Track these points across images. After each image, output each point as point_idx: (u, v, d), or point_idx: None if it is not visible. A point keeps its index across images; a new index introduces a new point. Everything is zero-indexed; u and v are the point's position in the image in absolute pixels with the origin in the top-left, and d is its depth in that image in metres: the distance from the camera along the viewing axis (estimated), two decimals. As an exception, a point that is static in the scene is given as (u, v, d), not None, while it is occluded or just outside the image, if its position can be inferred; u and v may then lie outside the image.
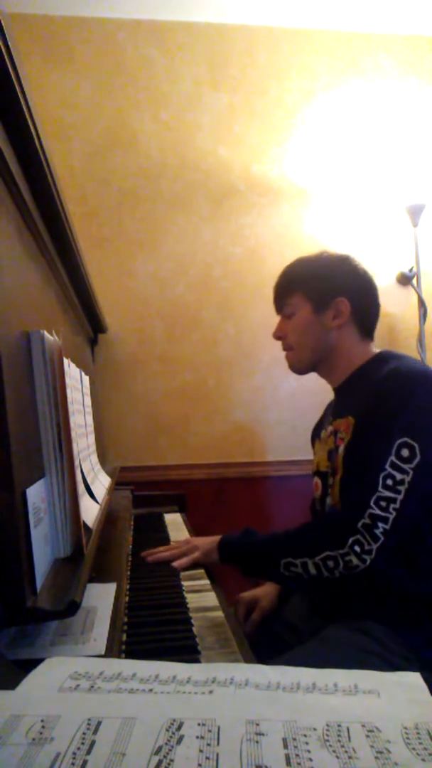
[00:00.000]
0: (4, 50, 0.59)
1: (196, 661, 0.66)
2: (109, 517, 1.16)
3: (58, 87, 2.25)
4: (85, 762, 0.33)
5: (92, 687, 0.42)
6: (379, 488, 0.99)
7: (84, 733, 0.35)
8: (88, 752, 0.34)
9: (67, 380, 0.77)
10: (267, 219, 2.36)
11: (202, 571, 1.07)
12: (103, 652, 0.61)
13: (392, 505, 0.98)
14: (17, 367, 0.64)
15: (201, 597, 0.92)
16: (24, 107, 0.68)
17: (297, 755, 0.33)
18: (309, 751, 0.34)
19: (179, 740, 0.35)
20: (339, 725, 0.36)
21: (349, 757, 0.33)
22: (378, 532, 0.98)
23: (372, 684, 0.42)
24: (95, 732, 0.35)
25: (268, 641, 1.21)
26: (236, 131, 2.35)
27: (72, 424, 0.75)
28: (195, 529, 1.45)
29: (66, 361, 0.81)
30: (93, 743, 0.34)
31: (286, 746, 0.34)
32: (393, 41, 2.45)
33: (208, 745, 0.34)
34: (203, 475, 2.26)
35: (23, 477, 0.59)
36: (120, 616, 0.73)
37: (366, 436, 1.07)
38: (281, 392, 2.34)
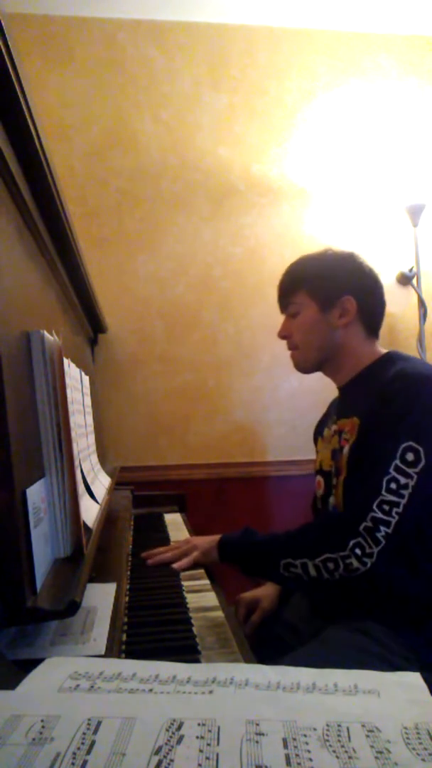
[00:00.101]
0: (4, 50, 0.59)
1: (196, 661, 0.66)
2: (109, 517, 1.16)
3: (58, 87, 2.25)
4: (85, 762, 0.33)
5: (92, 687, 0.42)
6: (383, 492, 0.98)
7: (84, 733, 0.35)
8: (88, 752, 0.34)
9: (67, 380, 0.77)
10: (267, 219, 2.36)
11: (202, 571, 1.07)
12: (103, 652, 0.61)
13: (395, 509, 0.97)
14: (17, 367, 0.64)
15: (201, 597, 0.92)
16: (24, 107, 0.68)
17: (297, 755, 0.33)
18: (309, 751, 0.34)
19: (179, 740, 0.35)
20: (339, 725, 0.36)
21: (349, 757, 0.33)
22: (380, 535, 0.97)
23: (372, 684, 0.42)
24: (95, 732, 0.35)
25: (268, 642, 1.21)
26: (236, 131, 2.35)
27: (72, 424, 0.75)
28: (195, 529, 1.45)
29: (66, 361, 0.81)
30: (93, 743, 0.34)
31: (286, 746, 0.34)
32: (393, 41, 2.45)
33: (208, 745, 0.34)
34: (203, 475, 2.26)
35: (23, 477, 0.60)
36: (120, 616, 0.73)
37: (371, 439, 1.06)
38: (281, 392, 2.33)
